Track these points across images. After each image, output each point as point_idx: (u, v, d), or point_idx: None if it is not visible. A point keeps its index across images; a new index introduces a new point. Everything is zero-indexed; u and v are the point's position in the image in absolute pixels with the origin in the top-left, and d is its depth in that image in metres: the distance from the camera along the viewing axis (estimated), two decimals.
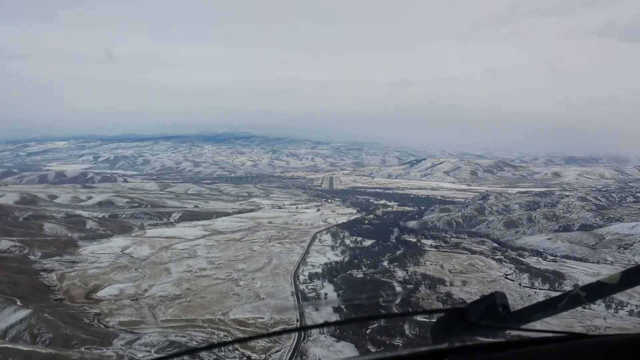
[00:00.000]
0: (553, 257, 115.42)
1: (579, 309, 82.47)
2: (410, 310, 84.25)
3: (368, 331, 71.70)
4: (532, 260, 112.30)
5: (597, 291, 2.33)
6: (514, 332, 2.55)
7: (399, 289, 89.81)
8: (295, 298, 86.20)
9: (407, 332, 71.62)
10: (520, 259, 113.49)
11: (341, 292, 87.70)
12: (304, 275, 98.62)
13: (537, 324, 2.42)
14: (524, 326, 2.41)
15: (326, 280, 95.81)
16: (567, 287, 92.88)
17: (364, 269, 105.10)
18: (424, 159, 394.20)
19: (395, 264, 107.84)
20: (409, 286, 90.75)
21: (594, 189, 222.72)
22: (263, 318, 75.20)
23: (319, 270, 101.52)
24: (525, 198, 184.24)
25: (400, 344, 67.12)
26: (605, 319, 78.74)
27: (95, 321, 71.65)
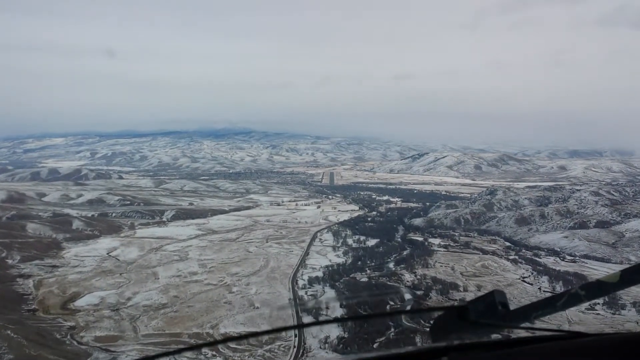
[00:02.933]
0: (572, 257, 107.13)
1: (609, 314, 75.18)
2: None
3: (375, 345, 64.14)
4: (550, 261, 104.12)
5: (597, 290, 2.32)
6: (514, 331, 2.55)
7: (408, 295, 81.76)
8: (293, 306, 78.23)
9: (419, 344, 63.76)
10: (537, 259, 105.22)
11: (344, 299, 79.59)
12: (304, 280, 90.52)
13: (537, 323, 2.42)
14: (523, 324, 2.40)
15: (327, 285, 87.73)
16: None
17: (368, 271, 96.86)
18: (426, 153, 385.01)
19: (402, 265, 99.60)
20: (418, 292, 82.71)
21: (604, 182, 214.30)
22: (257, 331, 67.18)
23: (320, 274, 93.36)
24: (535, 193, 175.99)
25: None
26: (638, 323, 70.90)
27: (68, 337, 63.67)
